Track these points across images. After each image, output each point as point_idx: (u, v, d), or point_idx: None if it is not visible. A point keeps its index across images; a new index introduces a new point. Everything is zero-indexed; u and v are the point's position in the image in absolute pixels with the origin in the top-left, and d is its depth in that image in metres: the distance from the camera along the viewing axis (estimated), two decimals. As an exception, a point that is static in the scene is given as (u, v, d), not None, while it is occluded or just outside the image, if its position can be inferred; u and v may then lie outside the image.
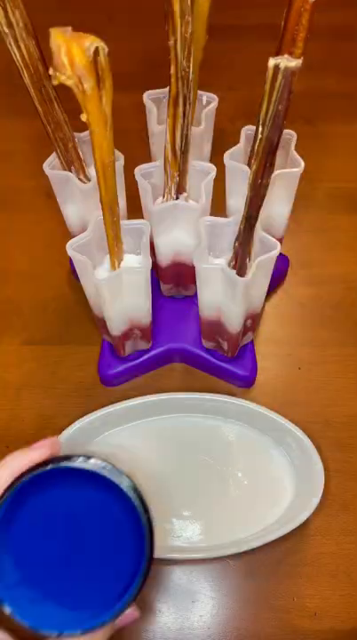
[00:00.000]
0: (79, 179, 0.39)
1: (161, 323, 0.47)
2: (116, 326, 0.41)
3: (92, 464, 0.26)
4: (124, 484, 0.26)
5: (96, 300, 0.39)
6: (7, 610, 0.24)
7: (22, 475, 0.25)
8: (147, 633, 0.36)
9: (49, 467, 0.25)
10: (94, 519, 0.27)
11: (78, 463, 0.26)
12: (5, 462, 0.25)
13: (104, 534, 0.27)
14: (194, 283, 0.39)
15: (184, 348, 0.46)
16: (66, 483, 0.27)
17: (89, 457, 0.26)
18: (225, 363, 0.46)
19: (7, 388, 0.47)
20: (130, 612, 0.26)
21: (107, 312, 0.39)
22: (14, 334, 0.50)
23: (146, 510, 0.26)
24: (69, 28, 0.22)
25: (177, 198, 0.38)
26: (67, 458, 0.26)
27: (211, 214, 0.39)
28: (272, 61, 0.23)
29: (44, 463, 0.25)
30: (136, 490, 0.26)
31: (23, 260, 0.55)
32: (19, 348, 0.49)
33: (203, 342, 0.46)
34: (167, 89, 0.32)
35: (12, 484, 0.25)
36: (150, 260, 0.36)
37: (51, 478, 0.26)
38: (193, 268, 0.37)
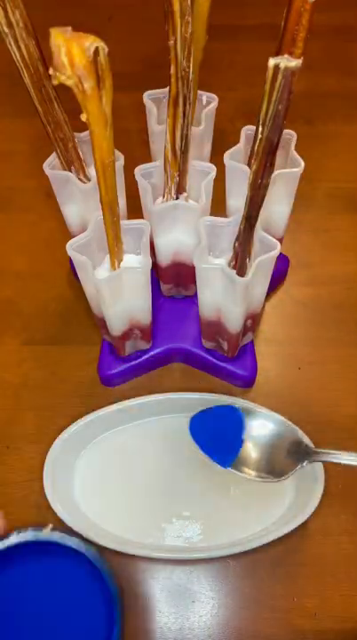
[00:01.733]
0: (79, 179, 0.39)
1: (161, 323, 0.47)
2: (116, 326, 0.41)
3: (49, 535, 0.25)
4: (85, 550, 0.25)
5: (96, 300, 0.39)
6: None
7: None
8: (147, 633, 0.36)
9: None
10: (59, 589, 0.26)
11: (35, 536, 0.25)
12: None
13: (71, 603, 0.26)
14: (194, 283, 0.39)
15: (184, 348, 0.46)
16: (23, 557, 0.26)
17: (40, 529, 0.25)
18: (225, 363, 0.46)
19: (7, 388, 0.47)
20: None
21: (107, 312, 0.39)
22: (14, 334, 0.50)
23: (111, 574, 0.25)
24: (69, 28, 0.22)
25: (177, 198, 0.38)
26: (19, 533, 0.25)
27: (211, 214, 0.39)
28: (272, 61, 0.23)
29: None
30: (98, 555, 0.25)
31: (23, 260, 0.55)
32: (19, 348, 0.49)
33: (203, 342, 0.46)
34: (167, 89, 0.32)
35: None
36: (150, 260, 0.36)
37: (7, 555, 0.25)
38: (193, 268, 0.37)
